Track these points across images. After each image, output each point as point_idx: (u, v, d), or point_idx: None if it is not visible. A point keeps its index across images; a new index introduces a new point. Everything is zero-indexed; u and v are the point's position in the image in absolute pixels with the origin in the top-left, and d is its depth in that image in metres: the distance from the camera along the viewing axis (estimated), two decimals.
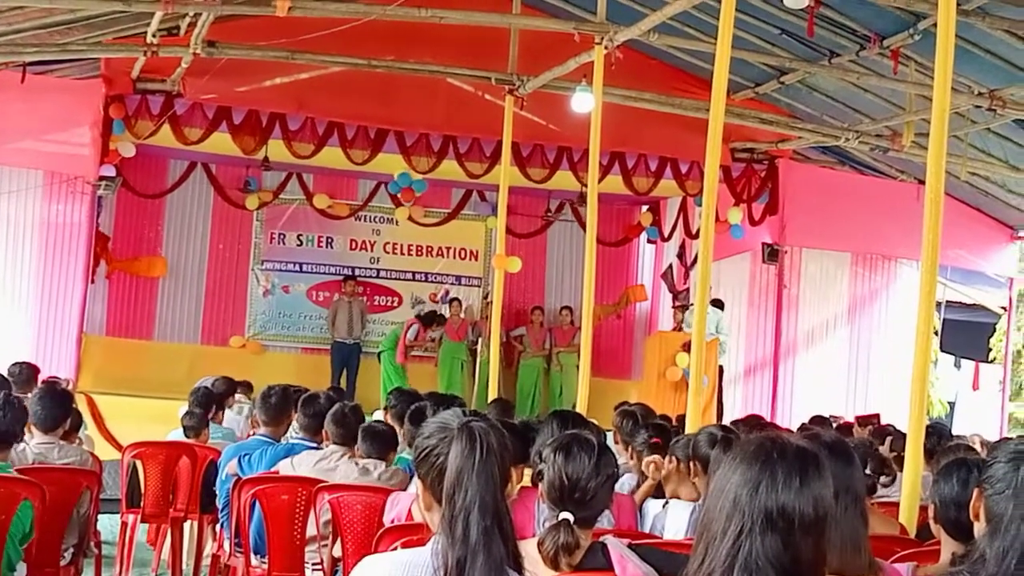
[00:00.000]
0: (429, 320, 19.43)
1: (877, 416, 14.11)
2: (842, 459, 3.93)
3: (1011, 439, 3.47)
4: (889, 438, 10.68)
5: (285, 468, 7.63)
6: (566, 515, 4.23)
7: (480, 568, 3.15)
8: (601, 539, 4.18)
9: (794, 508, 2.74)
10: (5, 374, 10.40)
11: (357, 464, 7.30)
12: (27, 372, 10.91)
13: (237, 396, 12.57)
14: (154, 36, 13.33)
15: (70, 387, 12.02)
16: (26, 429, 7.13)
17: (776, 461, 2.78)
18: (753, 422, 11.33)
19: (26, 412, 6.33)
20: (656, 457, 6.67)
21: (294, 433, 8.56)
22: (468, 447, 3.25)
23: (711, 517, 2.83)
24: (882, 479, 8.46)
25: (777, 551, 2.73)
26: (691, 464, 6.27)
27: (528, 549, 4.03)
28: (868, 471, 6.93)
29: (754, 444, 2.85)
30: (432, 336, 19.43)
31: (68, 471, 7.08)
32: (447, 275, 20.49)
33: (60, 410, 7.27)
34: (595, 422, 7.96)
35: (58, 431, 7.23)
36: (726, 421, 13.99)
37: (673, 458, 6.55)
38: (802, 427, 11.40)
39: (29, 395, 8.39)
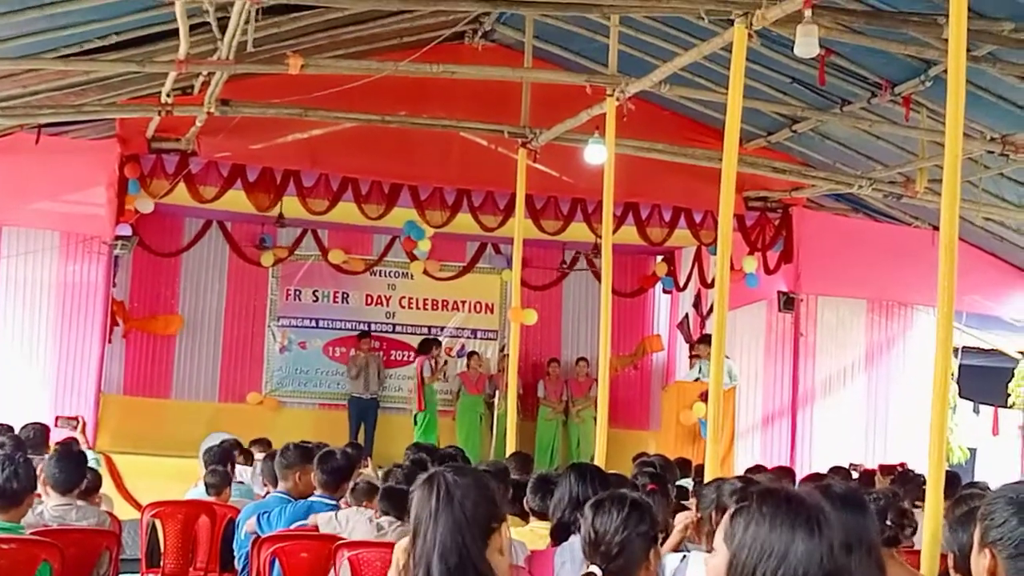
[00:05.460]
0: (427, 347, 19.39)
1: (902, 465, 14.02)
2: (854, 509, 3.93)
3: (996, 491, 3.34)
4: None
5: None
6: (593, 569, 4.30)
7: None
8: None
9: (809, 561, 2.74)
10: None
11: (371, 521, 7.34)
12: (40, 434, 10.94)
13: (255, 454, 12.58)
14: (168, 96, 13.39)
15: (84, 447, 12.02)
16: (43, 491, 7.16)
17: (789, 515, 2.78)
18: (780, 472, 11.38)
19: (34, 472, 6.33)
20: (683, 514, 6.67)
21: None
22: (427, 494, 3.33)
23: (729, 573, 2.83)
24: (906, 531, 8.38)
25: None
26: (713, 515, 6.27)
27: None
28: (889, 522, 6.86)
29: (768, 499, 2.85)
30: (444, 359, 19.44)
31: (87, 532, 7.09)
32: (463, 329, 20.48)
33: (77, 472, 7.29)
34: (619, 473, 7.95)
35: (74, 492, 7.23)
36: (739, 470, 14.05)
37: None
38: (815, 477, 11.36)
39: (44, 456, 8.41)
